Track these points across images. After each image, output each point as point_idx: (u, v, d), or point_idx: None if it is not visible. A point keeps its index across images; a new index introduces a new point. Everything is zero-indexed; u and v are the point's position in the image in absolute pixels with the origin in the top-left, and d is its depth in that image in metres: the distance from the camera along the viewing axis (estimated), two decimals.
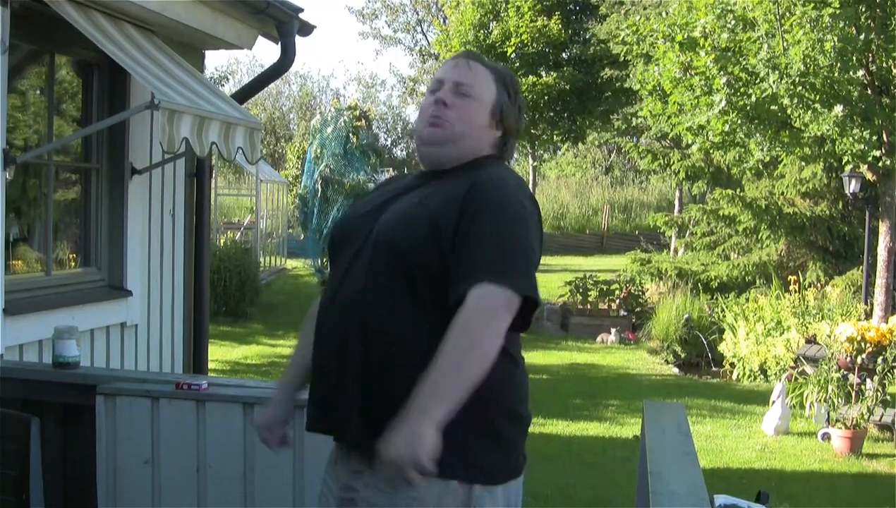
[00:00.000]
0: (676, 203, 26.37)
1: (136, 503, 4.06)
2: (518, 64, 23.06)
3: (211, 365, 8.51)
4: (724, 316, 15.24)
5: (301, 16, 6.90)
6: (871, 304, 13.14)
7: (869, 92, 11.94)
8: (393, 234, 2.57)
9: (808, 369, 10.83)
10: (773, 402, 10.04)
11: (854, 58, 11.40)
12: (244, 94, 7.38)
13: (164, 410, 4.02)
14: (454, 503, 2.48)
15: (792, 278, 15.66)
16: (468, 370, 2.35)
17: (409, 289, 2.53)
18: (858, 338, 9.81)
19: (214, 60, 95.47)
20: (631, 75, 19.28)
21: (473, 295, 2.38)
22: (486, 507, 2.52)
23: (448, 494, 2.48)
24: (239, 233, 22.58)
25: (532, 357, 12.49)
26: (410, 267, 2.52)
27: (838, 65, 11.24)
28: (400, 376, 2.45)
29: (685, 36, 12.48)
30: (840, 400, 9.78)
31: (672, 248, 23.25)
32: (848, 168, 13.28)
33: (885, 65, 11.87)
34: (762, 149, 13.24)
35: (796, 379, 11.00)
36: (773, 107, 12.05)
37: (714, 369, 14.80)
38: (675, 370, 14.59)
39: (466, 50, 2.77)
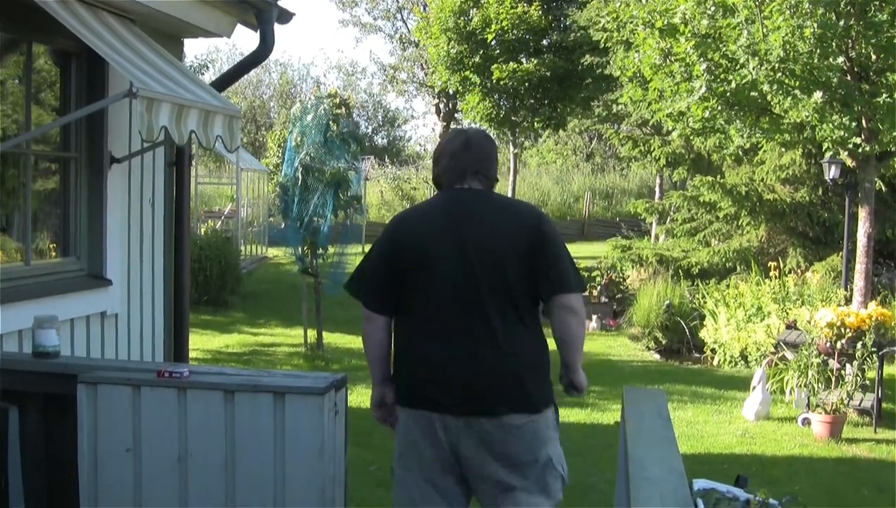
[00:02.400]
0: (657, 189, 26.45)
1: (118, 491, 4.06)
2: (498, 51, 23.00)
3: (192, 355, 8.49)
4: (705, 303, 15.30)
5: (280, 3, 6.89)
6: (851, 290, 13.19)
7: (848, 78, 11.97)
8: None
9: (789, 354, 10.88)
10: (754, 388, 10.09)
11: (833, 44, 11.42)
12: (223, 82, 7.35)
13: (146, 398, 4.01)
14: None
15: (772, 264, 15.74)
16: None
17: None
18: (838, 324, 9.86)
19: (194, 49, 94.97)
20: (611, 62, 19.24)
21: None
22: None
23: None
24: (220, 222, 22.51)
25: None
26: None
27: (818, 51, 11.26)
28: None
29: (665, 22, 12.49)
30: (820, 385, 9.84)
31: (653, 235, 23.28)
32: (828, 154, 13.32)
33: (864, 51, 11.88)
34: (742, 136, 13.28)
35: (777, 364, 11.04)
36: (752, 94, 12.07)
37: (695, 355, 14.86)
38: (657, 356, 14.63)
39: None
